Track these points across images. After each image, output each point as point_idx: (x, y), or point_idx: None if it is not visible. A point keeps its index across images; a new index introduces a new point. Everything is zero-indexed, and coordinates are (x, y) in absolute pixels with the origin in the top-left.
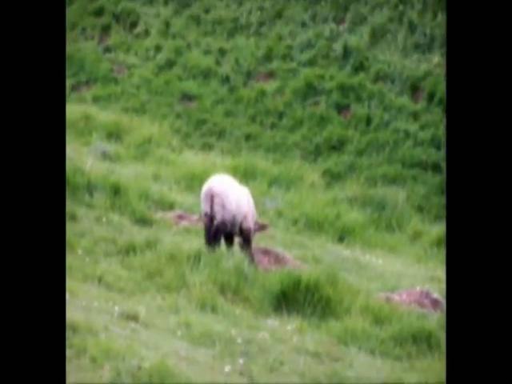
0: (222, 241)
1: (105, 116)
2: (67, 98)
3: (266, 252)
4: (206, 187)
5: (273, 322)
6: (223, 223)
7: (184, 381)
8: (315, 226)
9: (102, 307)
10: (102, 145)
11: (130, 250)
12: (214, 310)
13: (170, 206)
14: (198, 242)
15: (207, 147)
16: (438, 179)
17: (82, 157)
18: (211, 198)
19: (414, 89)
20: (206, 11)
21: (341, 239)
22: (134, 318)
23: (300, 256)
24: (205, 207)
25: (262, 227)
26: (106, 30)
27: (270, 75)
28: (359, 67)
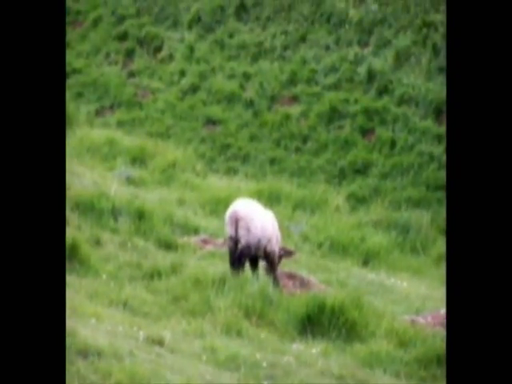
0: (247, 265)
1: (129, 141)
2: (92, 123)
3: (290, 276)
4: (230, 210)
5: (298, 345)
6: (248, 247)
7: None
8: (340, 249)
9: (126, 332)
10: (127, 169)
11: (154, 274)
12: (239, 334)
13: (195, 231)
14: (222, 266)
15: (232, 172)
16: None
17: (107, 181)
18: (236, 221)
19: (439, 112)
20: (230, 36)
21: (365, 263)
22: (159, 342)
23: (325, 280)
24: (229, 230)
25: (288, 253)
26: (129, 54)
27: (295, 99)
28: (383, 91)
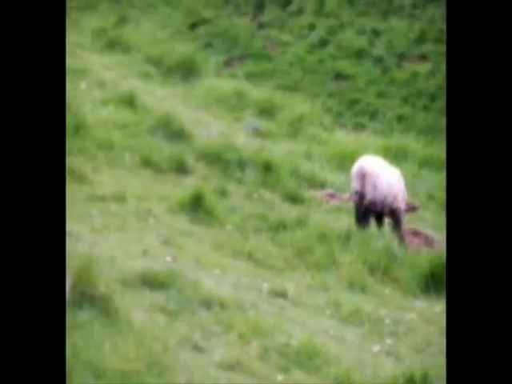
0: (372, 221)
1: (257, 92)
2: (220, 73)
3: (416, 233)
4: (357, 166)
5: (421, 302)
6: (373, 203)
7: (331, 359)
8: None
9: (250, 283)
10: (254, 121)
11: (280, 226)
12: (363, 289)
13: (321, 185)
14: (348, 221)
15: (359, 127)
16: None
17: (234, 132)
18: (363, 177)
19: None
20: None
21: None
22: (282, 295)
23: None
24: (356, 185)
25: (412, 208)
26: (259, 6)
27: (423, 58)
28: None
